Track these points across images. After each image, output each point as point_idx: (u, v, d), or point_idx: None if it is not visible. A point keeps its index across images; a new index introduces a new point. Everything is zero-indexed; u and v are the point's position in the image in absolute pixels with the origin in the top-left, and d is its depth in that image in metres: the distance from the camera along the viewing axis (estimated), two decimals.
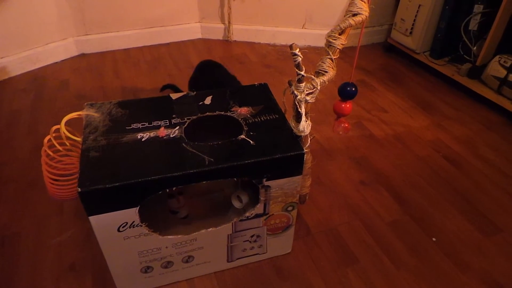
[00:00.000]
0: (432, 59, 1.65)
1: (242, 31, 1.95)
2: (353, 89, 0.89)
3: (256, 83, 0.90)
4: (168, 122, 0.77)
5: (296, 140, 0.74)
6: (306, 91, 0.70)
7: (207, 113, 0.80)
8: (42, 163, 0.74)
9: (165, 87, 1.49)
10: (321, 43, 1.90)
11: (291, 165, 0.73)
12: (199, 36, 2.00)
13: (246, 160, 0.69)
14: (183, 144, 0.71)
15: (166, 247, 0.76)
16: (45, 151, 0.74)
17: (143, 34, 1.88)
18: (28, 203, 1.03)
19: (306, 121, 0.72)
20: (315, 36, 1.91)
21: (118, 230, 0.69)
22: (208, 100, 0.84)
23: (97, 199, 0.64)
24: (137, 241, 0.72)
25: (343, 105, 0.91)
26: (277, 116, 0.80)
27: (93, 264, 0.88)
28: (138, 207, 0.67)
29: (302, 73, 0.67)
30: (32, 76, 1.62)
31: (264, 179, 0.73)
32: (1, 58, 1.58)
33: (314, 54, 1.85)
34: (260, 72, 1.70)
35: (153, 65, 1.73)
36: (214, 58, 1.81)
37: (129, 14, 1.81)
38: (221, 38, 1.99)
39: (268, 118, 0.79)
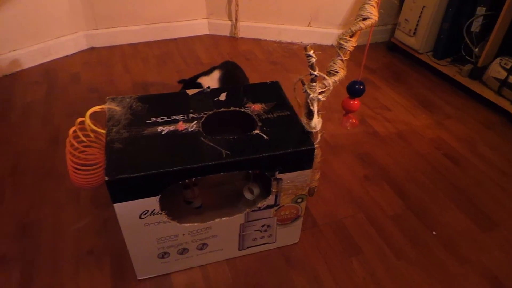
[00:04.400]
0: (434, 59, 1.69)
1: (248, 28, 1.99)
2: (361, 87, 0.93)
3: (268, 81, 0.94)
4: (186, 117, 0.81)
5: (307, 135, 0.79)
6: (318, 90, 0.74)
7: (223, 109, 0.84)
8: (66, 152, 0.79)
9: (182, 82, 1.50)
10: (327, 41, 1.95)
11: (302, 159, 0.78)
12: (206, 32, 2.04)
13: (260, 154, 0.73)
14: (201, 138, 0.76)
15: (183, 235, 0.81)
16: (70, 141, 0.78)
17: (151, 29, 1.92)
18: (46, 192, 1.08)
19: (317, 118, 0.76)
20: (321, 34, 1.94)
21: (140, 217, 0.74)
22: (223, 96, 0.88)
23: (122, 188, 0.68)
24: (156, 228, 0.77)
25: (351, 102, 0.96)
26: (288, 113, 0.84)
27: (111, 249, 0.93)
28: (159, 196, 0.72)
29: (316, 73, 0.71)
30: (43, 69, 1.66)
31: (277, 172, 0.77)
32: (14, 50, 1.62)
33: (319, 52, 1.88)
34: (266, 68, 1.74)
35: (161, 60, 1.76)
36: (221, 54, 1.85)
37: (138, 9, 1.84)
38: (227, 34, 2.03)
39: (280, 114, 0.84)
